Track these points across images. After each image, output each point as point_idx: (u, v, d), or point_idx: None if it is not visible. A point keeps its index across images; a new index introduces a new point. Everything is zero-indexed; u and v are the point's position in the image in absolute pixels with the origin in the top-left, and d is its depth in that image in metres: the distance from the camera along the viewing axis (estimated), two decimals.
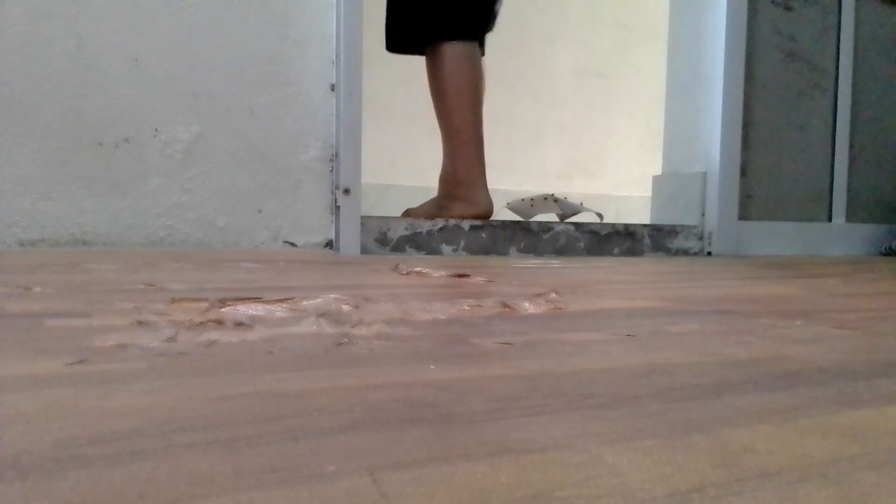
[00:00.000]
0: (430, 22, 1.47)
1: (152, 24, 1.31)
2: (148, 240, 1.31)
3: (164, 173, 1.32)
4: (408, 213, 1.57)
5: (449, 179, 1.58)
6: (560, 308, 0.67)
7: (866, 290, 0.97)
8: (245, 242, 1.38)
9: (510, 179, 2.81)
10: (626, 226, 1.70)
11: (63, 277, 0.81)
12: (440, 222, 1.48)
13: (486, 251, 1.53)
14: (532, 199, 1.81)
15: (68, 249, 1.24)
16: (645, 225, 1.74)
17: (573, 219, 1.78)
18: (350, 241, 1.40)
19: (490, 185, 1.61)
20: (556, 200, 1.81)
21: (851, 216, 2.05)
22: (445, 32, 1.47)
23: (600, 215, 1.87)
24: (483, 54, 1.58)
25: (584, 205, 1.87)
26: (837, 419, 0.31)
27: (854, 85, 2.02)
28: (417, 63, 1.63)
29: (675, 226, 1.78)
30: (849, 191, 2.04)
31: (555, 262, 1.37)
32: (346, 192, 1.40)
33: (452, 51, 1.47)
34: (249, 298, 0.60)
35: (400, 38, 1.55)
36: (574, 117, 3.02)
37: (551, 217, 1.82)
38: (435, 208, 1.57)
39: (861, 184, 2.07)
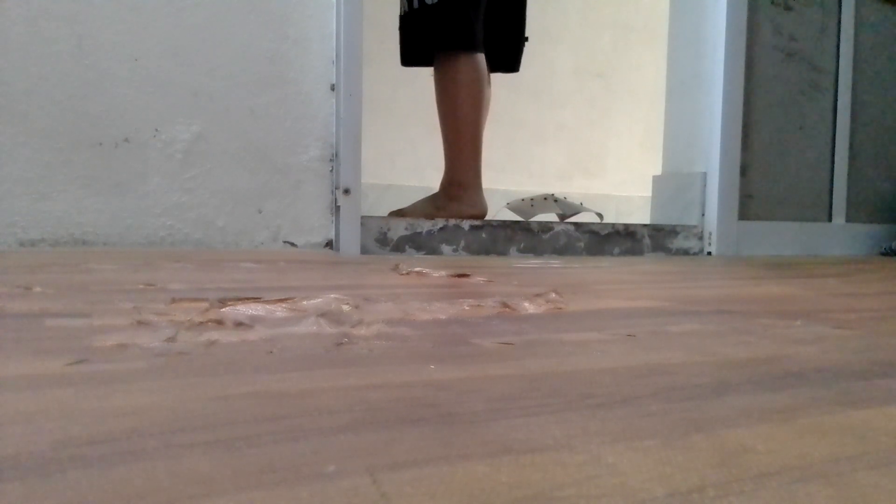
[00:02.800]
0: (438, 34, 1.55)
1: (152, 24, 1.31)
2: (148, 240, 1.31)
3: (164, 173, 1.32)
4: (395, 214, 1.58)
5: (446, 180, 1.60)
6: (560, 308, 0.66)
7: (866, 290, 0.97)
8: (245, 242, 1.38)
9: (510, 179, 2.81)
10: (626, 226, 1.70)
11: (63, 277, 0.81)
12: (440, 222, 1.48)
13: (486, 251, 1.53)
14: (532, 199, 1.81)
15: (68, 249, 1.24)
16: (645, 225, 1.74)
17: (573, 219, 1.78)
18: (350, 241, 1.40)
19: (490, 185, 1.61)
20: (556, 200, 1.82)
21: (851, 216, 2.05)
22: (451, 43, 1.54)
23: (600, 215, 1.87)
24: (489, 82, 1.66)
25: (584, 205, 1.88)
26: (837, 419, 0.31)
27: (854, 85, 2.02)
28: None
29: (675, 226, 1.78)
30: (849, 191, 2.04)
31: (555, 262, 1.37)
32: (346, 192, 1.40)
33: (457, 61, 1.55)
34: (249, 298, 0.60)
35: (412, 52, 1.63)
36: (574, 117, 3.02)
37: (551, 217, 1.82)
38: (430, 208, 1.57)
39: (861, 184, 2.07)
